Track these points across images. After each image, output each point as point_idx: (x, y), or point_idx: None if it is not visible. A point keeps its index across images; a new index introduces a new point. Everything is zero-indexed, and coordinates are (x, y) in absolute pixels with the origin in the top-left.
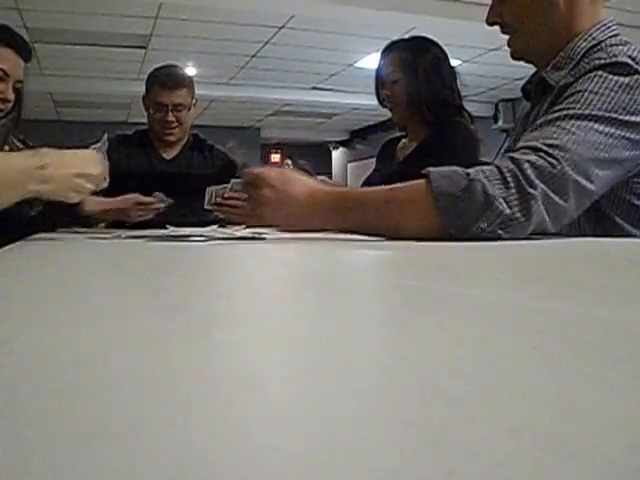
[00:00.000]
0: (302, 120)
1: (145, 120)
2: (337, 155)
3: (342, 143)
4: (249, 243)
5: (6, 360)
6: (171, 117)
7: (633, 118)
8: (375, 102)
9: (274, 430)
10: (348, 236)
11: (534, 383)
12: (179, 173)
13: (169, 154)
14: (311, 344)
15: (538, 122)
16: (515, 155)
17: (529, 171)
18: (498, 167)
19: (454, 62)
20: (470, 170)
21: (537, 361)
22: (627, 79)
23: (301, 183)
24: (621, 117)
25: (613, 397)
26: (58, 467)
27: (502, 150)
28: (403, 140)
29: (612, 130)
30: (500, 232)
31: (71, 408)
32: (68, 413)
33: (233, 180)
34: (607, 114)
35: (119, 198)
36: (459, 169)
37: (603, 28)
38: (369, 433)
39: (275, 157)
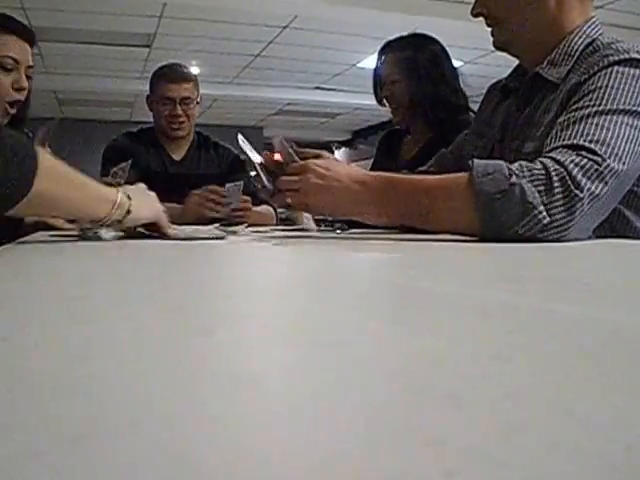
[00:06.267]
0: (305, 120)
1: (148, 119)
2: (339, 155)
3: (344, 143)
4: (220, 243)
5: (5, 357)
6: (179, 111)
7: None
8: None
9: (274, 429)
10: (344, 236)
11: (533, 384)
12: (189, 175)
13: (178, 155)
14: (311, 344)
15: (559, 120)
16: (557, 156)
17: (575, 172)
18: (545, 167)
19: (456, 63)
20: (515, 167)
21: (536, 362)
22: None
23: (346, 171)
24: None
25: (612, 398)
26: (57, 466)
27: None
28: (408, 136)
29: (638, 123)
30: (540, 236)
31: (70, 407)
32: (68, 412)
33: (227, 185)
34: (634, 108)
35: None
36: (505, 165)
37: (593, 26)
38: (368, 433)
39: (277, 156)
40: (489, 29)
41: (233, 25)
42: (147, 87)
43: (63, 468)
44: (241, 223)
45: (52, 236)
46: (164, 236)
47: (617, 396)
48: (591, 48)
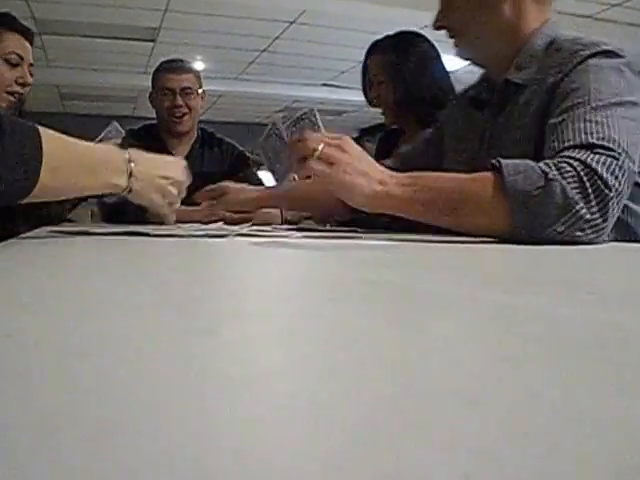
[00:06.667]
0: None
1: (152, 115)
2: None
3: None
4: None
5: (9, 354)
6: (180, 101)
7: (634, 98)
8: None
9: (283, 430)
10: (349, 236)
11: (546, 386)
12: (192, 173)
13: (181, 153)
14: (320, 344)
15: (552, 121)
16: (576, 154)
17: (600, 170)
18: (571, 165)
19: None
20: (542, 164)
21: (548, 365)
22: (615, 61)
23: (375, 163)
24: (628, 99)
25: (625, 401)
26: (58, 465)
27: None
28: (405, 135)
29: (629, 112)
30: (579, 234)
31: (74, 405)
32: (71, 410)
33: None
34: (622, 99)
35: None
36: (533, 164)
37: (552, 26)
38: (382, 435)
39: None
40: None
41: (239, 20)
42: (151, 83)
43: (64, 467)
44: (245, 222)
45: (54, 232)
46: (166, 222)
47: (631, 400)
48: (554, 46)
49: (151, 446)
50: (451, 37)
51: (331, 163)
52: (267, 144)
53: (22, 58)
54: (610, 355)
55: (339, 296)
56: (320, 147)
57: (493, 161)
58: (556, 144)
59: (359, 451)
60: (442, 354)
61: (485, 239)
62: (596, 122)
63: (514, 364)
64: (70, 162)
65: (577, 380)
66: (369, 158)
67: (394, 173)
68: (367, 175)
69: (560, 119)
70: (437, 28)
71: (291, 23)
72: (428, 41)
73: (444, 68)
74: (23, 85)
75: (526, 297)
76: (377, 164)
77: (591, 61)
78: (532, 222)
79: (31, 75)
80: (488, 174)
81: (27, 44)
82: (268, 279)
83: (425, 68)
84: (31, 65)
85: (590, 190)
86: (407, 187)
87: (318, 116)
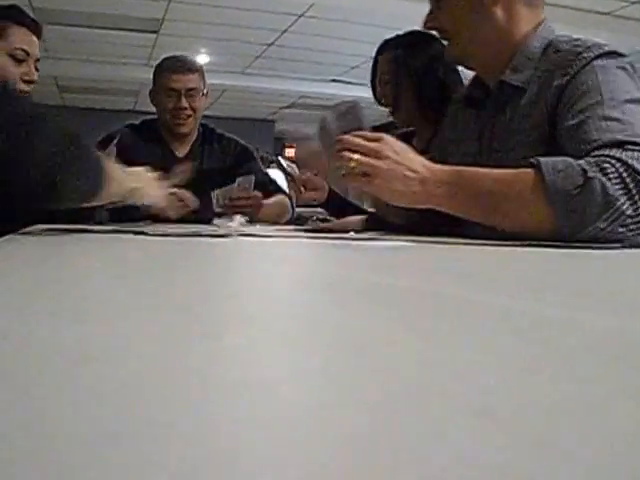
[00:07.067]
0: (319, 114)
1: (154, 109)
2: None
3: None
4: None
5: (6, 356)
6: (184, 103)
7: None
8: None
9: (285, 435)
10: (355, 237)
11: (562, 397)
12: (193, 171)
13: (181, 151)
14: (324, 348)
15: (569, 123)
16: (610, 153)
17: (637, 166)
18: (610, 163)
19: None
20: (583, 162)
21: (566, 374)
22: (619, 61)
23: (417, 158)
24: (637, 96)
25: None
26: (57, 469)
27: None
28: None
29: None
30: (622, 230)
31: (73, 407)
32: (70, 412)
33: (238, 179)
34: (632, 96)
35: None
36: (572, 161)
37: (548, 28)
38: (386, 442)
39: (290, 152)
40: None
41: (245, 12)
42: (152, 78)
43: (64, 469)
44: (243, 214)
45: (52, 229)
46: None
47: None
48: (552, 48)
49: (151, 449)
50: (441, 38)
51: (367, 174)
52: (322, 139)
53: (28, 54)
54: (621, 360)
55: (342, 298)
56: (355, 157)
57: (532, 160)
58: (582, 145)
59: (362, 458)
60: (447, 358)
61: (498, 242)
62: (617, 120)
63: (522, 369)
64: (112, 175)
65: (585, 384)
66: (409, 155)
67: (435, 168)
68: (405, 178)
69: (577, 120)
70: (428, 28)
71: (299, 16)
72: (438, 40)
73: (455, 70)
74: (28, 82)
75: (534, 303)
76: (418, 158)
77: (596, 62)
78: (574, 221)
79: (37, 70)
80: (528, 172)
81: (34, 38)
82: (272, 280)
83: (434, 68)
84: (37, 60)
85: (632, 186)
86: (447, 186)
87: (361, 110)
